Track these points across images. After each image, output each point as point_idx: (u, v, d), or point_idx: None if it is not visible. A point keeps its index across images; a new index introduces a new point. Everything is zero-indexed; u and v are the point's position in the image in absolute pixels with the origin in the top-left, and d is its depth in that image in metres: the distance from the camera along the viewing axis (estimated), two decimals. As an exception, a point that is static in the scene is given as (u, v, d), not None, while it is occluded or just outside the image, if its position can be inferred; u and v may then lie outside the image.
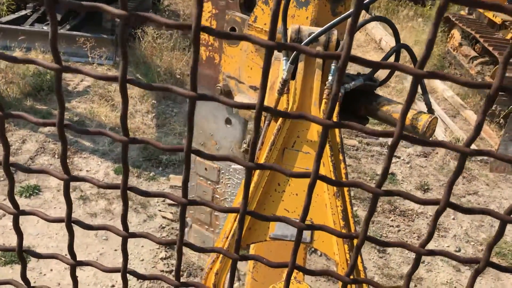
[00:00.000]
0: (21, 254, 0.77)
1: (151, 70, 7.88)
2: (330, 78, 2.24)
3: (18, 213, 0.73)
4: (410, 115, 2.17)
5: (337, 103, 2.29)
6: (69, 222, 0.72)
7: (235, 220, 2.23)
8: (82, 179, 0.69)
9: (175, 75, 8.03)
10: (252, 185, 2.22)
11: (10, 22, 8.51)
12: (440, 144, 0.60)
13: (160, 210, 5.17)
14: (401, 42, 2.38)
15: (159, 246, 4.74)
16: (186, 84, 8.13)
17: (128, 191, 0.70)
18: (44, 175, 5.49)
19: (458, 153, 0.60)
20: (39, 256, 0.77)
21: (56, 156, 5.83)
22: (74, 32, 8.16)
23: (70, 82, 7.78)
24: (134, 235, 0.73)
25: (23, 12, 8.86)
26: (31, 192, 5.19)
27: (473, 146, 7.36)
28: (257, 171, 2.24)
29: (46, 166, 5.70)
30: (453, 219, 5.85)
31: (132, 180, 5.62)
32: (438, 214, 0.64)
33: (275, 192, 2.26)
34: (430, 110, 2.27)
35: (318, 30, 2.35)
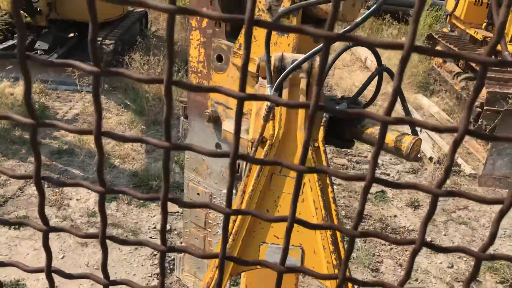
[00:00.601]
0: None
1: (140, 96, 7.90)
2: (314, 103, 2.27)
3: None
4: (393, 137, 2.18)
5: (322, 127, 2.31)
6: (49, 272, 0.71)
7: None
8: (61, 230, 0.69)
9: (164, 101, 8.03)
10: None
11: (-3, 52, 8.50)
12: (413, 186, 0.61)
13: (151, 237, 5.13)
14: (385, 62, 2.41)
15: (152, 275, 4.68)
16: (174, 108, 8.13)
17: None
18: (34, 205, 5.44)
19: (429, 194, 0.61)
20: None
21: (46, 186, 5.78)
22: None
23: (59, 110, 7.76)
24: (114, 283, 0.72)
25: (10, 42, 8.89)
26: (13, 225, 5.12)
27: (460, 161, 7.42)
28: (245, 198, 2.24)
29: (36, 196, 5.64)
30: (445, 235, 5.86)
31: (122, 207, 5.58)
32: (414, 253, 0.65)
33: (264, 219, 2.26)
34: (414, 131, 2.29)
35: (301, 57, 2.38)
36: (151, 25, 12.00)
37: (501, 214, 0.60)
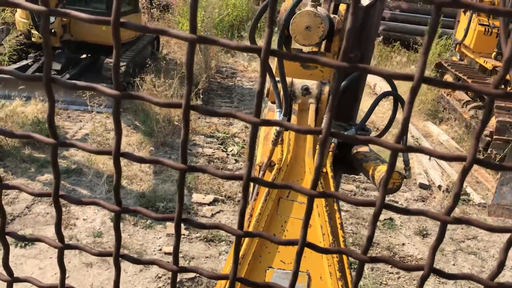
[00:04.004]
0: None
1: (150, 117, 7.98)
2: (323, 129, 2.29)
3: (12, 280, 0.74)
4: (373, 165, 2.18)
5: (330, 153, 2.32)
6: (62, 289, 0.73)
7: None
8: (75, 247, 0.70)
9: (173, 122, 8.11)
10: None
11: (11, 72, 8.66)
12: (422, 213, 0.62)
13: (156, 259, 5.11)
14: (397, 89, 2.42)
15: (155, 297, 4.65)
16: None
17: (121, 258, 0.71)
18: (40, 224, 5.46)
19: (437, 220, 0.62)
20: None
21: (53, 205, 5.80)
22: (74, 81, 8.30)
23: (69, 130, 7.85)
24: (125, 302, 0.73)
25: (24, 62, 9.05)
26: (26, 242, 5.13)
27: (470, 190, 7.36)
28: (252, 222, 2.25)
29: (43, 215, 5.66)
30: (453, 265, 5.78)
31: (128, 228, 5.57)
32: (423, 280, 0.65)
33: (270, 244, 2.25)
34: (407, 167, 2.29)
35: (311, 82, 2.41)
36: (163, 48, 12.19)
37: (510, 243, 0.61)
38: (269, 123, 0.59)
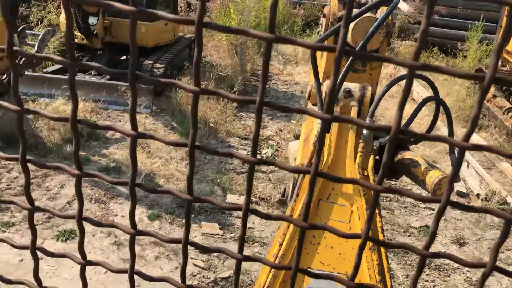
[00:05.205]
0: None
1: (187, 119, 8.11)
2: (364, 132, 2.30)
3: (85, 263, 0.79)
4: (424, 169, 2.16)
5: (371, 156, 2.32)
6: (132, 274, 0.77)
7: (270, 272, 2.24)
8: (147, 234, 0.75)
9: (209, 124, 8.22)
10: (288, 236, 2.25)
11: (55, 71, 9.00)
12: (486, 211, 0.64)
13: (192, 258, 5.19)
14: (429, 93, 2.41)
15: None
16: (218, 132, 8.31)
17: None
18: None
19: (502, 218, 0.63)
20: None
21: (93, 201, 5.98)
22: (116, 82, 8.52)
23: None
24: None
25: (67, 63, 9.33)
26: (67, 237, 5.31)
27: (510, 199, 7.16)
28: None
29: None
30: (492, 275, 5.63)
31: (165, 226, 5.68)
32: (484, 277, 0.67)
33: (310, 244, 2.27)
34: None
35: (353, 85, 2.42)
36: (200, 51, 12.35)
37: None
38: (340, 119, 0.62)
